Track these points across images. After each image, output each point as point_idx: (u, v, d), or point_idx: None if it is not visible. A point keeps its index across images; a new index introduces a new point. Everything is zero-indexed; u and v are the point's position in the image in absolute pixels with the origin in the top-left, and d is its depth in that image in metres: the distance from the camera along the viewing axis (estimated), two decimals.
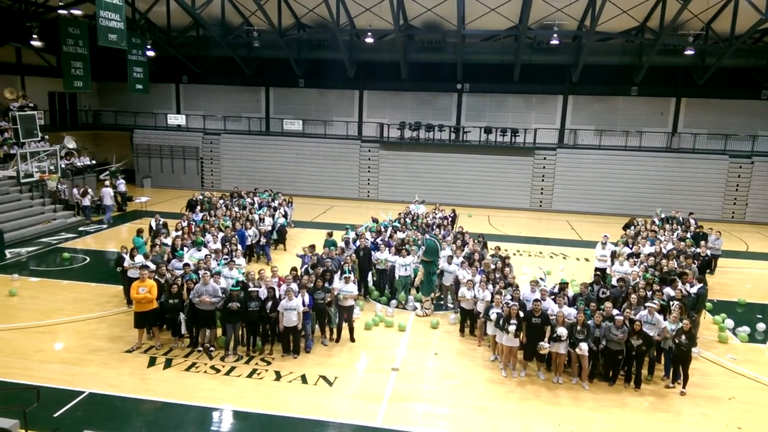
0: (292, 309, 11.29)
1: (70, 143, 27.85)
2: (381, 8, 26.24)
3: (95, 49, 23.51)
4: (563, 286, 12.39)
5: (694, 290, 12.76)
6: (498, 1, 25.67)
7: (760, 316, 15.05)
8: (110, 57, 29.24)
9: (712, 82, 28.10)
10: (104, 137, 34.88)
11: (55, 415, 9.36)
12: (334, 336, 12.66)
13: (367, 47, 29.33)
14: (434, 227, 18.23)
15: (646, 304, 11.36)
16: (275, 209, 21.45)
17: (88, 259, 18.60)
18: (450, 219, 20.98)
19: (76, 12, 24.33)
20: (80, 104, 34.11)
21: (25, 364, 11.09)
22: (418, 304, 14.79)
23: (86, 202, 23.58)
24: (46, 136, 25.96)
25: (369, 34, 27.37)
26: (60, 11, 23.56)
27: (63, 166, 25.45)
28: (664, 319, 11.29)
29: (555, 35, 26.37)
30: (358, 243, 15.56)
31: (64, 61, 23.61)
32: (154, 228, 17.15)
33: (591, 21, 24.31)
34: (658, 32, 25.53)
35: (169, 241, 15.61)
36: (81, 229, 22.49)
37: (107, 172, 29.13)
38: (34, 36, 26.34)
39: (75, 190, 24.24)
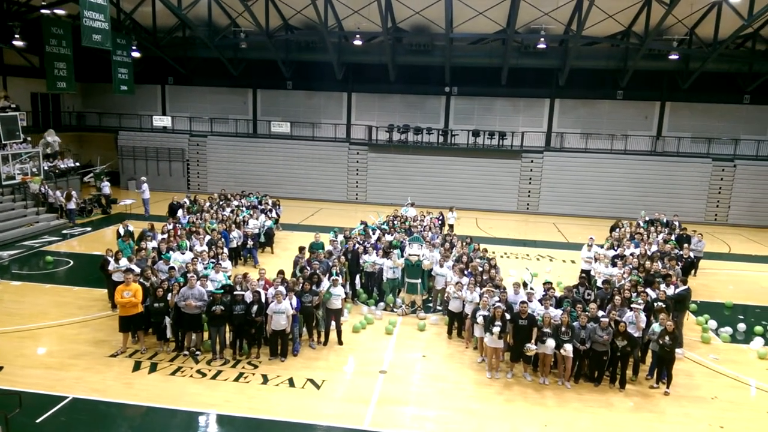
0: (281, 312, 11.25)
1: (50, 136, 27.52)
2: (369, 10, 26.30)
3: (79, 49, 23.31)
4: (547, 286, 12.46)
5: (672, 291, 12.87)
6: (486, 5, 25.81)
7: (741, 317, 15.27)
8: (94, 58, 29.02)
9: (696, 86, 28.50)
10: (88, 139, 34.57)
11: (38, 420, 9.23)
12: (322, 339, 12.63)
13: (356, 49, 29.36)
14: (422, 230, 18.23)
15: (632, 306, 11.47)
16: (266, 212, 21.38)
17: (72, 263, 18.40)
18: (440, 221, 21.01)
19: (60, 12, 24.13)
20: (64, 105, 33.76)
21: (7, 369, 10.93)
22: (399, 301, 14.85)
23: (71, 205, 23.33)
24: (29, 138, 25.66)
25: (357, 36, 27.41)
26: (43, 11, 23.34)
27: (46, 168, 25.18)
28: (648, 318, 11.42)
29: (542, 39, 26.59)
30: (347, 245, 15.54)
31: (47, 61, 23.38)
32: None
33: (577, 25, 24.53)
34: (643, 37, 25.83)
35: (153, 244, 15.49)
36: (64, 232, 22.25)
37: (91, 174, 28.87)
38: (16, 36, 26.04)
39: (58, 193, 23.97)
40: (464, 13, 26.32)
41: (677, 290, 12.92)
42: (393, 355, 12.29)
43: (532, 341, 10.88)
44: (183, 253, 14.54)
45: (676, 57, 27.14)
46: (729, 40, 24.57)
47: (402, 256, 14.91)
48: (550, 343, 10.79)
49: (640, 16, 25.69)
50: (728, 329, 14.07)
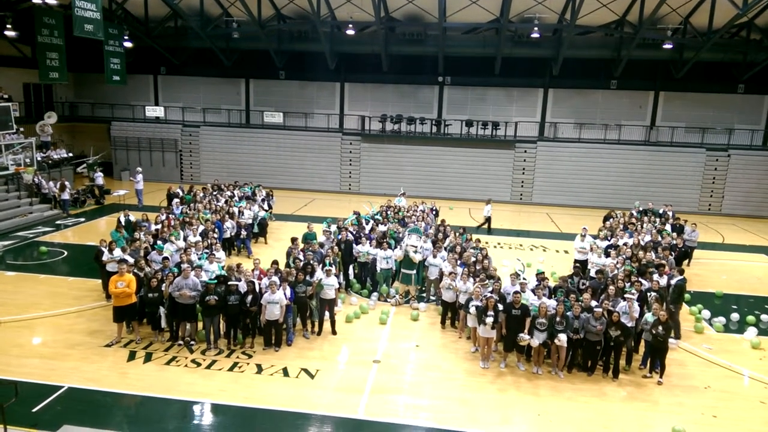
0: (275, 302, 11.26)
1: (52, 118, 27.54)
2: (362, 0, 26.13)
3: (71, 39, 23.12)
4: (540, 276, 12.51)
5: (671, 281, 12.93)
6: None
7: (735, 307, 15.38)
8: (86, 48, 28.70)
9: (690, 76, 28.52)
10: (81, 129, 34.35)
11: (34, 410, 9.25)
12: (316, 329, 12.66)
13: (348, 39, 29.20)
14: (416, 220, 18.24)
15: (625, 296, 11.53)
16: (261, 201, 21.37)
17: (66, 253, 18.34)
18: (434, 212, 21.04)
19: (51, 2, 23.83)
20: (56, 96, 33.50)
21: (3, 359, 10.92)
22: (393, 291, 14.91)
23: (65, 195, 23.24)
24: (22, 129, 25.49)
25: (350, 25, 27.25)
26: (34, 1, 23.09)
27: (39, 158, 25.04)
28: (641, 308, 11.49)
29: (536, 28, 26.52)
30: (340, 236, 15.55)
31: (40, 51, 23.19)
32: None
33: (571, 14, 24.48)
34: (637, 26, 25.80)
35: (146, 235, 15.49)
36: (58, 222, 22.17)
37: (85, 165, 28.73)
38: (8, 26, 25.79)
39: (51, 183, 23.85)
40: (457, 2, 26.21)
41: (676, 280, 12.94)
42: (386, 345, 12.34)
43: (525, 331, 10.95)
44: (173, 244, 14.53)
45: (670, 46, 27.12)
46: (723, 29, 24.58)
47: (398, 247, 14.95)
48: (540, 336, 10.87)
49: (634, 5, 25.63)
50: (722, 319, 14.17)
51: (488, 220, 22.76)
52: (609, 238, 17.16)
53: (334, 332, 12.68)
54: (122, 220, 17.17)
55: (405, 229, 16.55)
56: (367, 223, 17.50)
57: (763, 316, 14.52)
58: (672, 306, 12.63)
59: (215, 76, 33.00)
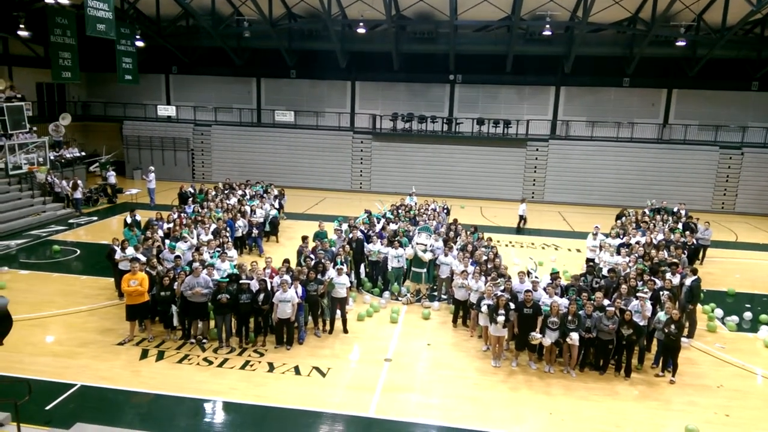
0: (287, 301, 11.28)
1: (66, 120, 27.84)
2: None
3: (83, 39, 23.31)
4: (554, 276, 12.46)
5: (687, 282, 12.81)
6: None
7: (748, 306, 15.23)
8: (99, 47, 28.93)
9: (704, 73, 28.23)
10: (93, 129, 34.58)
11: (47, 407, 9.33)
12: (327, 327, 12.68)
13: (359, 38, 29.20)
14: (426, 219, 18.22)
15: (638, 295, 11.45)
16: (273, 199, 21.43)
17: (78, 252, 18.49)
18: (446, 211, 20.99)
19: (64, 1, 24.02)
20: (69, 95, 33.77)
21: (17, 357, 11.01)
22: (404, 290, 14.90)
23: (78, 194, 23.43)
24: (35, 128, 25.73)
25: (361, 24, 27.23)
26: (47, 1, 23.28)
27: (52, 158, 25.26)
28: (654, 307, 11.41)
29: (547, 26, 26.36)
30: (351, 234, 15.56)
31: (52, 51, 23.41)
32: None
33: (583, 11, 24.30)
34: (650, 23, 25.57)
35: (161, 233, 15.57)
36: (71, 221, 22.35)
37: (97, 164, 28.95)
38: (21, 26, 26.02)
39: (64, 182, 24.05)
40: (469, 0, 26.11)
41: (690, 281, 12.82)
42: (398, 344, 12.33)
43: (537, 330, 10.90)
44: (186, 242, 14.62)
45: (683, 43, 26.89)
46: (737, 26, 24.31)
47: (409, 245, 14.94)
48: (552, 335, 10.82)
49: (646, 2, 25.41)
50: (734, 318, 14.04)
51: (522, 218, 22.79)
52: (621, 236, 17.06)
53: (345, 331, 12.70)
54: (128, 220, 17.19)
55: (416, 227, 16.54)
56: (378, 222, 17.50)
57: None
58: (689, 306, 12.53)
59: (226, 75, 33.11)
